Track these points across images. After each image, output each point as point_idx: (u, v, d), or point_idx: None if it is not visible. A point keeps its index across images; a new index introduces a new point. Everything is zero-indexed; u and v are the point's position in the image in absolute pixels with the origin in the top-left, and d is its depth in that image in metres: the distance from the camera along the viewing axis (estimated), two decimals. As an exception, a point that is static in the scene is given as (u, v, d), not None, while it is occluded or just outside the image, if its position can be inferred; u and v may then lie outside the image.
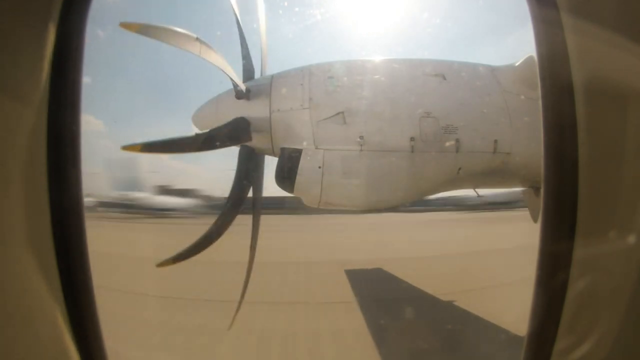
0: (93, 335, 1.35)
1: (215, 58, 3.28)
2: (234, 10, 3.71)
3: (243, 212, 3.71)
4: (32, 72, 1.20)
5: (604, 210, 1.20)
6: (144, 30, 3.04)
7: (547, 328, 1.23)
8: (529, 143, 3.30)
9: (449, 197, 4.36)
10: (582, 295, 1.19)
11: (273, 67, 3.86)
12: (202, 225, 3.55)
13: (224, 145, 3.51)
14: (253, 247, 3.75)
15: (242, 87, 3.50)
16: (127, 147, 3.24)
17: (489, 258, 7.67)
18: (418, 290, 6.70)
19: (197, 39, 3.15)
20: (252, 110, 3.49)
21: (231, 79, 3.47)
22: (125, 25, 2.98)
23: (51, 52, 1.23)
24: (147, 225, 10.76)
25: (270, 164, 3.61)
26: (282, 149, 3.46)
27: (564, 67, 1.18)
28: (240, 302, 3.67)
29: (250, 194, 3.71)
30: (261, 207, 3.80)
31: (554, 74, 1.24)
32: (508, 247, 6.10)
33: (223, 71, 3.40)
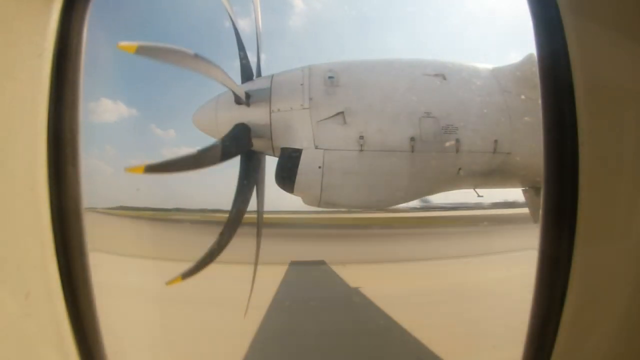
0: (93, 335, 1.35)
1: (213, 71, 3.30)
2: (228, 12, 3.69)
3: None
4: (32, 72, 1.20)
5: (604, 210, 1.20)
6: (142, 50, 3.06)
7: (547, 328, 1.23)
8: (529, 143, 3.29)
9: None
10: (582, 295, 1.19)
11: (273, 67, 3.85)
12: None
13: (226, 158, 3.49)
14: (257, 248, 3.77)
15: (242, 93, 3.50)
16: (130, 169, 3.24)
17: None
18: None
19: (195, 55, 3.18)
20: (252, 116, 3.49)
21: (230, 89, 3.47)
22: (124, 47, 3.03)
23: (51, 52, 1.23)
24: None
25: (271, 164, 3.61)
26: (282, 149, 3.46)
27: (564, 67, 1.18)
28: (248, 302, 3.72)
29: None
30: (263, 207, 3.77)
31: (554, 74, 1.24)
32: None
33: (222, 83, 3.42)
